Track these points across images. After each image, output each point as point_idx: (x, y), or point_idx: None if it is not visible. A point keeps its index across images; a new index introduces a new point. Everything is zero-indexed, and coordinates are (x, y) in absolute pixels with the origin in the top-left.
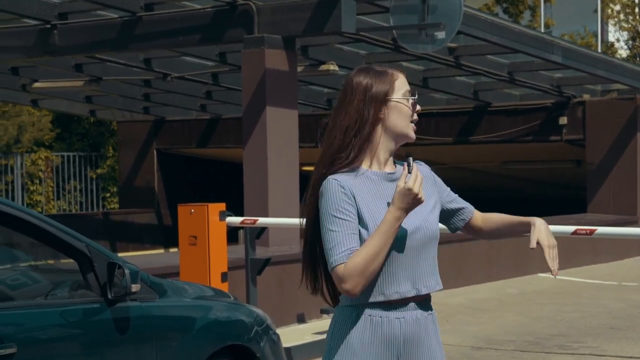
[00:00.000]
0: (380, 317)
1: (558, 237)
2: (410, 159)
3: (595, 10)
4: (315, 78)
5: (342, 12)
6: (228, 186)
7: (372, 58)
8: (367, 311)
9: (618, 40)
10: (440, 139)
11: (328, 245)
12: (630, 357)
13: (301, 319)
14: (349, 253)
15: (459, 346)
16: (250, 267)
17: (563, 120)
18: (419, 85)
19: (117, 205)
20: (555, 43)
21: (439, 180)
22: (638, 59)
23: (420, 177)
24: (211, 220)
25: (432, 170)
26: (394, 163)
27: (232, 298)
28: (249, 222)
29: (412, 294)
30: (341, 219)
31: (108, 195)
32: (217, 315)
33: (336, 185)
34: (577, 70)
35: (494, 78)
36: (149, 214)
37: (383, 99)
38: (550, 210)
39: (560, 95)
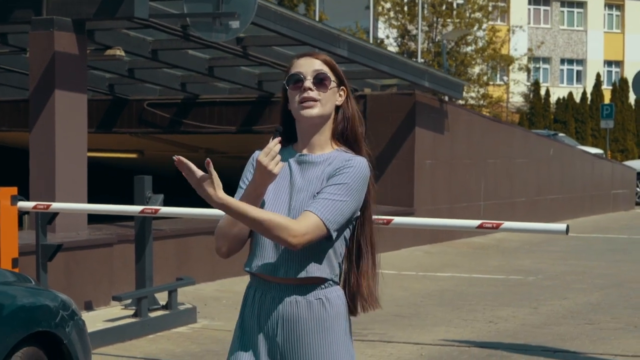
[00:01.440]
0: (262, 291)
1: None
2: (277, 132)
3: (367, 7)
4: (97, 63)
5: None
6: (4, 170)
7: (158, 44)
8: (255, 282)
9: (388, 37)
10: (223, 127)
11: None
12: (417, 343)
13: (89, 306)
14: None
15: None
16: (41, 253)
17: None
18: (204, 74)
19: None
20: (342, 37)
21: (341, 171)
22: (406, 55)
23: (274, 150)
24: (2, 205)
25: (347, 161)
26: (338, 148)
27: (33, 282)
28: (42, 207)
29: (268, 273)
30: (240, 187)
31: None
32: (23, 301)
33: (251, 157)
34: (360, 64)
35: (280, 69)
36: None
37: (284, 87)
38: None
39: None
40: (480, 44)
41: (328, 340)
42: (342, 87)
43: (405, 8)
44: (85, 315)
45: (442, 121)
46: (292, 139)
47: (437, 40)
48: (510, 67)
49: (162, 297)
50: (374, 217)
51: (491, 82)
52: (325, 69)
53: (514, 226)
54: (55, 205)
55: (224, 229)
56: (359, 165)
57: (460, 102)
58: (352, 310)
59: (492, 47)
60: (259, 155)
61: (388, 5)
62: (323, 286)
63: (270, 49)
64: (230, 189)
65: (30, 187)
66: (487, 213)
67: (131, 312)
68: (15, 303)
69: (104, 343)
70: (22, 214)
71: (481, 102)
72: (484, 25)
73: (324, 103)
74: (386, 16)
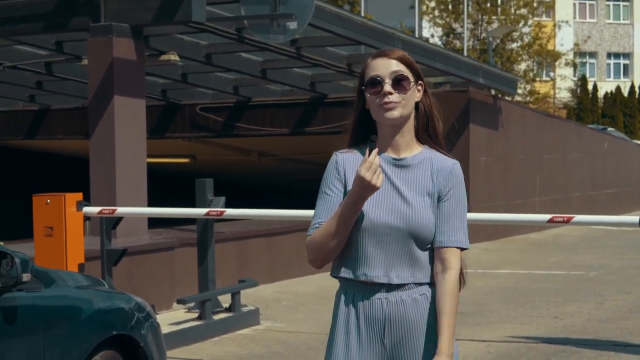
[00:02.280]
0: (362, 295)
1: None
2: (374, 143)
3: (412, 6)
4: (151, 68)
5: (192, 2)
6: (61, 177)
7: (212, 48)
8: (352, 288)
9: (432, 35)
10: (275, 129)
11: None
12: (484, 341)
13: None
14: (317, 227)
15: (313, 334)
16: (106, 258)
17: None
18: (257, 77)
19: None
20: (396, 36)
21: (455, 185)
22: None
23: (375, 164)
24: (68, 211)
25: (452, 170)
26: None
27: (106, 286)
28: (107, 211)
29: (383, 280)
30: (326, 193)
31: None
32: (101, 305)
33: (332, 160)
34: (416, 62)
35: (333, 70)
36: None
37: (360, 90)
38: None
39: None
40: (526, 40)
41: (433, 334)
42: (419, 82)
43: (450, 6)
44: None
45: (496, 117)
46: (366, 139)
47: (482, 37)
48: (557, 63)
49: (224, 300)
50: None
51: (538, 78)
52: (403, 68)
53: (586, 219)
54: (120, 210)
55: (319, 243)
56: (461, 174)
57: (508, 98)
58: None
59: (538, 43)
60: (360, 169)
61: (432, 4)
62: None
63: (324, 49)
64: (288, 192)
65: (91, 193)
66: (543, 209)
67: (195, 315)
68: (92, 307)
69: (169, 347)
70: (84, 219)
71: (528, 98)
72: (530, 21)
73: (404, 104)
74: (431, 15)
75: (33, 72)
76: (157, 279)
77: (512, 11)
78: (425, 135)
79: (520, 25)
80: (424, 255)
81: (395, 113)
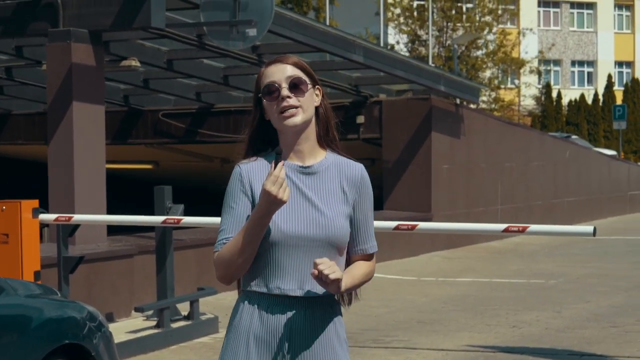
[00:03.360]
0: (267, 308)
1: (380, 231)
2: (279, 156)
3: (377, 13)
4: (112, 74)
5: (151, 8)
6: (21, 183)
7: (173, 54)
8: (256, 302)
9: (398, 42)
10: (238, 136)
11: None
12: (441, 349)
13: (110, 318)
14: (225, 242)
15: None
16: (63, 266)
17: (360, 119)
18: (219, 83)
19: None
20: (357, 43)
21: (366, 192)
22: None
23: (280, 177)
24: (24, 218)
25: (362, 176)
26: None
27: (59, 295)
28: (64, 219)
29: (297, 293)
30: (232, 207)
31: None
32: (51, 314)
33: (236, 172)
34: (376, 69)
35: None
36: None
37: (257, 99)
38: None
39: (357, 94)
40: (490, 48)
41: (344, 352)
42: (317, 87)
43: (415, 13)
44: None
45: (458, 125)
46: (266, 148)
47: (447, 44)
48: (522, 70)
49: (183, 308)
50: (398, 223)
51: (502, 86)
52: (298, 72)
53: (540, 229)
54: (77, 217)
55: (227, 259)
56: (368, 177)
57: (472, 105)
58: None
59: (503, 50)
60: (266, 184)
61: (398, 10)
62: (334, 297)
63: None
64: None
65: (49, 200)
66: (505, 217)
67: (153, 323)
68: (43, 316)
69: (127, 355)
70: (42, 226)
71: (493, 105)
72: (494, 29)
73: (305, 108)
74: (396, 22)
75: None
76: (115, 286)
77: (477, 18)
78: (327, 139)
79: (485, 32)
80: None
81: (297, 119)
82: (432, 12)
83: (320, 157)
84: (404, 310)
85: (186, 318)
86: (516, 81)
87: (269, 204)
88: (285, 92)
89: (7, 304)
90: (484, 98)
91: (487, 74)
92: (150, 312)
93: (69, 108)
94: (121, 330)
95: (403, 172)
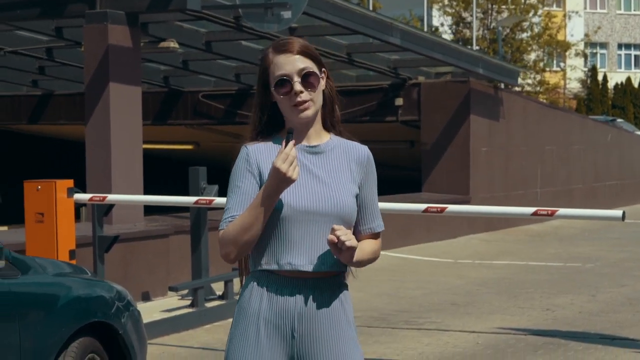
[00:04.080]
0: (276, 288)
1: (404, 215)
2: (290, 135)
3: None
4: (152, 55)
5: None
6: (62, 163)
7: (212, 36)
8: (265, 281)
9: (442, 24)
10: None
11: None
12: (473, 332)
13: (146, 297)
14: (231, 220)
15: None
16: (98, 245)
17: (399, 101)
18: (257, 65)
19: None
20: (395, 25)
21: (372, 172)
22: (461, 43)
23: (291, 155)
24: (59, 197)
25: (368, 157)
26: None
27: (89, 274)
28: (98, 199)
29: (307, 268)
30: (238, 187)
31: None
32: (79, 292)
33: (243, 153)
34: (414, 52)
35: (333, 59)
36: None
37: (263, 83)
38: (386, 190)
39: (396, 76)
40: (536, 30)
41: (352, 331)
42: (322, 70)
43: None
44: (142, 306)
45: (497, 108)
46: (274, 130)
47: (492, 27)
48: (567, 53)
49: (217, 287)
50: (428, 205)
51: (548, 69)
52: (309, 63)
53: (569, 213)
54: (111, 197)
55: (233, 236)
56: (372, 157)
57: (517, 88)
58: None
59: (548, 33)
60: (277, 161)
61: None
62: (342, 277)
63: (323, 38)
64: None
65: (87, 180)
66: (544, 200)
67: (188, 302)
68: (71, 294)
69: (161, 333)
70: (79, 206)
71: (538, 88)
72: (540, 11)
73: (315, 100)
74: (440, 4)
75: (35, 57)
76: (152, 266)
77: (522, 1)
78: (332, 120)
79: (530, 15)
80: None
81: (310, 112)
82: None
83: (325, 139)
84: (439, 292)
85: (220, 298)
86: (561, 64)
87: (279, 181)
88: (298, 86)
89: (35, 282)
90: (529, 81)
91: (532, 56)
92: (185, 292)
93: (106, 89)
94: (156, 309)
95: (441, 154)
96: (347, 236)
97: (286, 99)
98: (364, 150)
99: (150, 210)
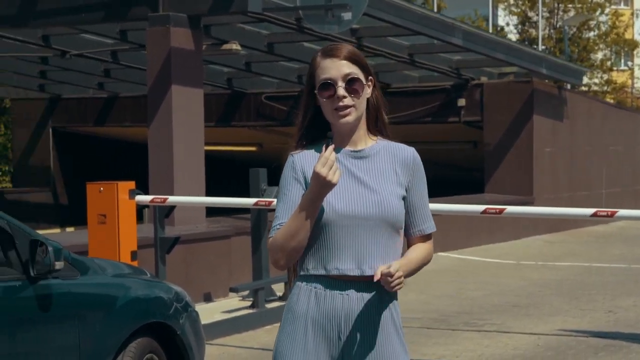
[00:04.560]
0: (324, 290)
1: (467, 216)
2: (330, 139)
3: None
4: (215, 57)
5: None
6: (127, 164)
7: (274, 38)
8: (313, 284)
9: (508, 24)
10: None
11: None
12: (533, 334)
13: (208, 298)
14: (279, 228)
15: None
16: (159, 246)
17: (461, 102)
18: None
19: (9, 185)
20: (457, 26)
21: (420, 174)
22: (526, 43)
23: (330, 159)
24: (121, 199)
25: (414, 158)
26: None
27: (148, 275)
28: (159, 200)
29: (354, 273)
30: (285, 194)
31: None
32: (138, 293)
33: (289, 161)
34: (476, 53)
35: (394, 59)
36: (44, 193)
37: (310, 89)
38: (448, 191)
39: (458, 77)
40: (603, 29)
41: (398, 336)
42: (369, 78)
43: None
44: (204, 307)
45: (561, 108)
46: (319, 136)
47: (558, 26)
48: (635, 52)
49: (278, 289)
50: (486, 206)
51: (615, 68)
52: (354, 69)
53: (630, 214)
54: (172, 199)
55: (281, 243)
56: (420, 159)
57: (583, 88)
58: None
59: (616, 31)
60: (317, 166)
61: None
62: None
63: (385, 39)
64: None
65: (149, 181)
66: (610, 201)
67: (248, 303)
68: (130, 295)
69: (222, 334)
70: (141, 207)
71: (605, 88)
72: (607, 10)
73: (358, 106)
74: (506, 3)
75: (100, 60)
76: (213, 267)
77: None
78: (376, 128)
79: (597, 13)
80: (394, 245)
81: (351, 118)
82: None
83: (371, 143)
84: (500, 293)
85: (281, 299)
86: (629, 63)
87: (320, 186)
88: (341, 91)
89: (94, 282)
90: (596, 80)
91: (599, 55)
92: (246, 293)
93: (169, 91)
94: (217, 310)
95: (504, 155)
96: (395, 282)
97: (329, 102)
98: (409, 152)
99: (214, 211)
